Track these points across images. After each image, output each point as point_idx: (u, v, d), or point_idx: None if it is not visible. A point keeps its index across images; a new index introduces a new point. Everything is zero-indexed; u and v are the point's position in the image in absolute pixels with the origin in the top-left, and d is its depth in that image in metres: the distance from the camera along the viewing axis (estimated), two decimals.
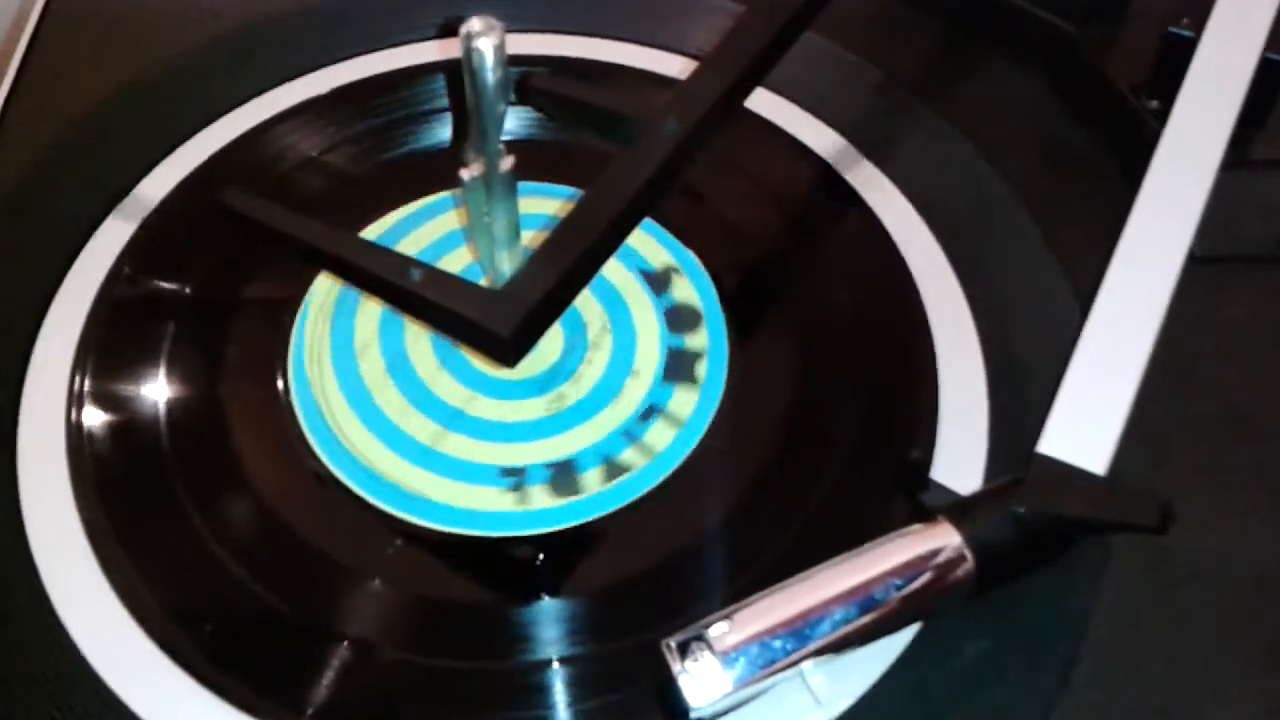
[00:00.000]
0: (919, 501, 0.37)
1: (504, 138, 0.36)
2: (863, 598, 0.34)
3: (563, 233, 0.34)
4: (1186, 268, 0.42)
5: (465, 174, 0.35)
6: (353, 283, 0.37)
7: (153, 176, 0.48)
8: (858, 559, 0.35)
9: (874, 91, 0.52)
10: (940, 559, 0.35)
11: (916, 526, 0.36)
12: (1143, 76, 0.48)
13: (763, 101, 0.50)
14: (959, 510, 0.36)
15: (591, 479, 0.39)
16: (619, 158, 0.36)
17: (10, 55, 0.54)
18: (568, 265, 0.34)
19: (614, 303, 0.44)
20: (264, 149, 0.49)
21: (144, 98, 0.51)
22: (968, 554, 0.35)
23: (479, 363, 0.42)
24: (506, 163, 0.35)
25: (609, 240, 0.35)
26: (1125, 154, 0.46)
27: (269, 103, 0.51)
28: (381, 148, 0.49)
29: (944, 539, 0.35)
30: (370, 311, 0.43)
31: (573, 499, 0.39)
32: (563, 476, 0.39)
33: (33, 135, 0.50)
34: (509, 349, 0.33)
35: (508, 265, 0.39)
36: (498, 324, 0.33)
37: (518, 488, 0.39)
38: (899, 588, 0.34)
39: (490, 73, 0.32)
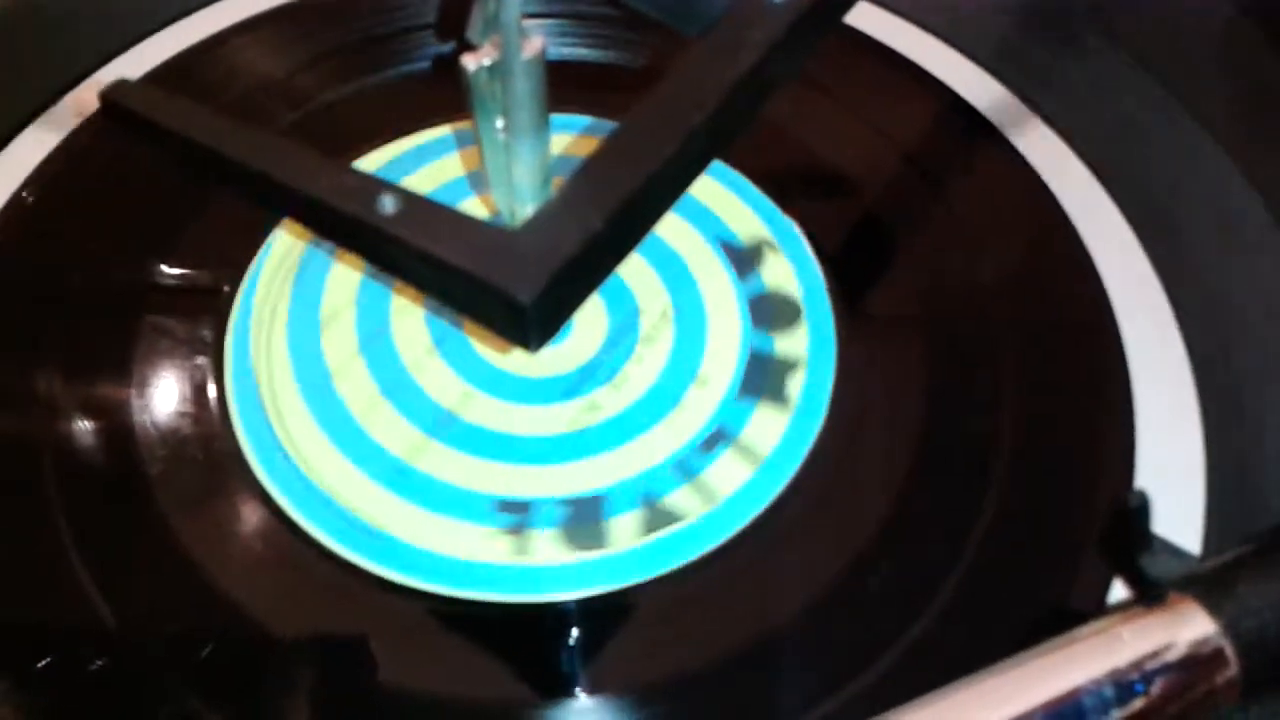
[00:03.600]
0: (1138, 570, 0.25)
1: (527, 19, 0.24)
2: (1064, 717, 0.23)
3: (612, 152, 0.23)
4: None
5: (470, 62, 0.24)
6: (296, 217, 0.25)
7: (55, 110, 0.38)
8: (1050, 657, 0.24)
9: (1031, 19, 0.42)
10: (1184, 655, 0.23)
11: (1138, 609, 0.24)
12: None
13: (892, 30, 0.40)
14: (1206, 584, 0.24)
15: (624, 528, 0.28)
16: (697, 46, 0.24)
17: None
18: (619, 200, 0.22)
19: (681, 281, 0.33)
20: (208, 72, 0.38)
21: (60, 8, 0.41)
22: (1228, 650, 0.23)
23: (484, 346, 0.31)
24: (533, 46, 0.24)
25: (677, 172, 0.24)
26: None
27: (217, 14, 0.40)
28: (365, 68, 0.39)
29: (1188, 628, 0.24)
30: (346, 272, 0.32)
31: (595, 554, 0.28)
32: (583, 520, 0.28)
33: None
34: (531, 322, 0.21)
35: (528, 209, 0.28)
36: (515, 282, 0.21)
37: (518, 530, 0.28)
38: (1121, 702, 0.23)
39: None
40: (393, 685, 0.26)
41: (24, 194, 0.34)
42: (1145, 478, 0.29)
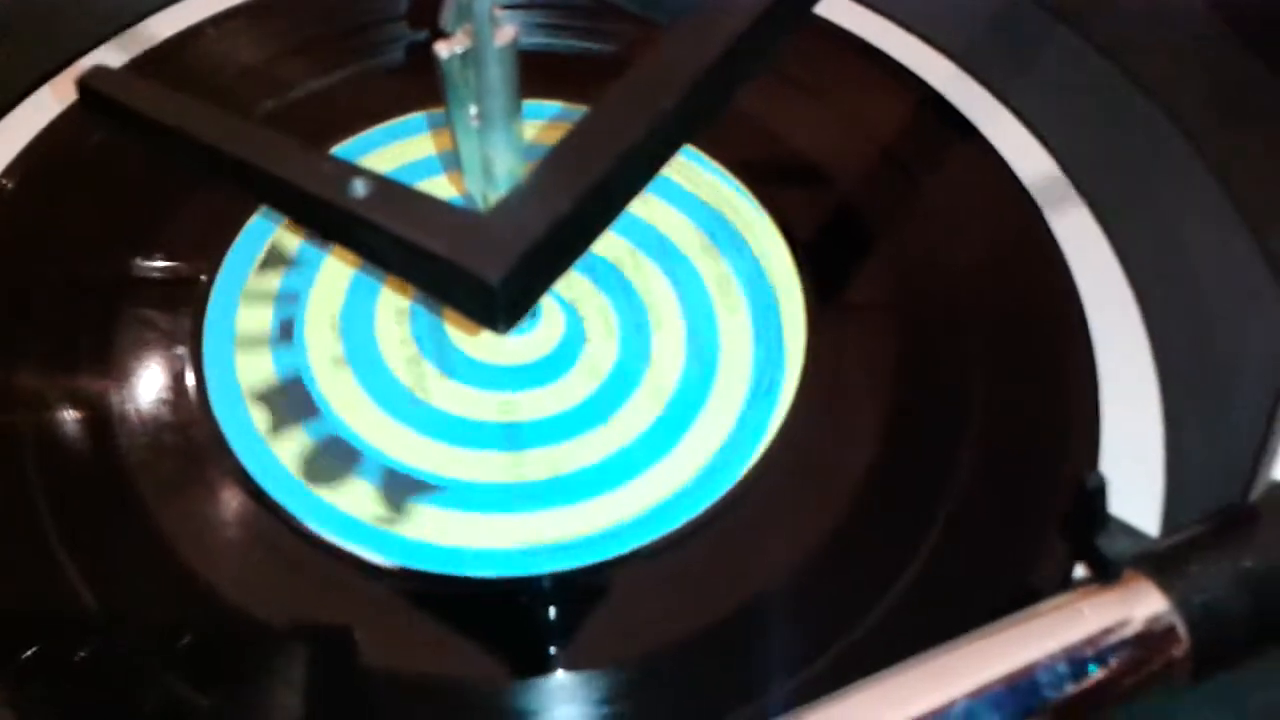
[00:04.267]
0: (1094, 549, 0.26)
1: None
2: (1020, 691, 0.24)
3: (582, 138, 0.23)
4: None
5: (444, 50, 0.24)
6: (267, 201, 0.25)
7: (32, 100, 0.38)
8: (1009, 632, 0.25)
9: (999, 9, 0.43)
10: (1134, 631, 0.24)
11: (1095, 586, 0.25)
12: None
13: (861, 20, 0.41)
14: (1159, 562, 0.25)
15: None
16: (666, 36, 0.25)
17: None
18: (584, 187, 0.23)
19: (669, 257, 0.34)
20: (186, 62, 0.39)
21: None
22: (1180, 626, 0.24)
23: (463, 340, 0.31)
24: (505, 34, 0.24)
25: (649, 152, 0.24)
26: None
27: (196, 6, 0.41)
28: (341, 58, 0.39)
29: (1142, 604, 0.25)
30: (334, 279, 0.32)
31: (597, 529, 0.28)
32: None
33: None
34: (499, 303, 0.22)
35: (499, 195, 0.28)
36: (484, 263, 0.21)
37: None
38: (1075, 677, 0.24)
39: None
40: (379, 664, 0.27)
41: (2, 182, 0.35)
42: (1108, 461, 0.30)
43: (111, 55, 0.39)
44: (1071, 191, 0.36)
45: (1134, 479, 0.30)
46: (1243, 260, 0.34)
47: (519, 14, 0.40)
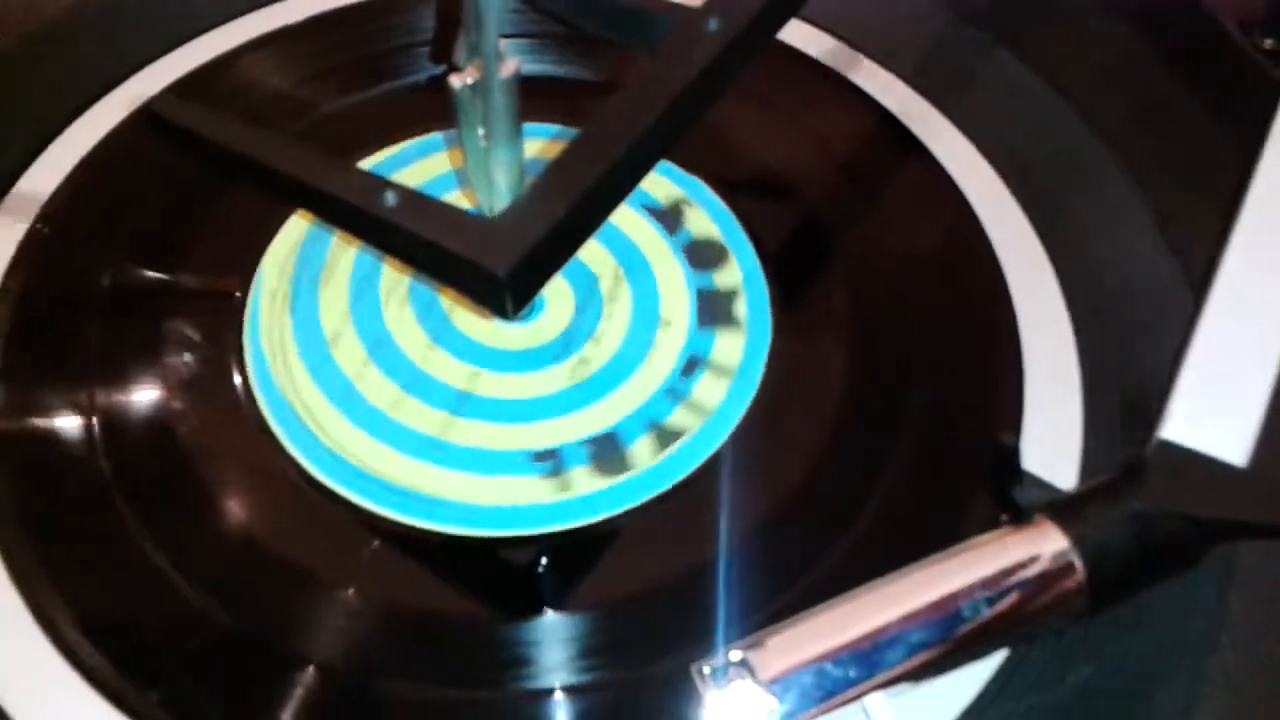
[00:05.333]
0: (1010, 498, 0.30)
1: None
2: (945, 615, 0.28)
3: (575, 154, 0.28)
4: None
5: (456, 81, 0.29)
6: (313, 210, 0.30)
7: (83, 121, 0.42)
8: (938, 567, 0.29)
9: (942, 32, 0.47)
10: (1042, 567, 0.29)
11: (1008, 528, 0.29)
12: (1254, 11, 0.43)
13: (818, 44, 0.45)
14: (1063, 509, 0.30)
15: (641, 451, 0.33)
16: (645, 64, 0.29)
17: None
18: (579, 193, 0.27)
19: (621, 246, 0.38)
20: (223, 85, 0.43)
21: (85, 27, 0.45)
22: (1076, 561, 0.29)
23: (478, 333, 0.35)
24: (508, 68, 0.29)
25: (631, 166, 0.29)
26: (1233, 102, 0.41)
27: (232, 32, 0.45)
28: (362, 83, 0.43)
29: (1046, 543, 0.29)
30: (336, 289, 0.37)
31: (623, 477, 0.33)
32: (606, 453, 0.33)
33: None
34: (506, 292, 0.26)
35: (504, 204, 0.33)
36: (493, 260, 0.26)
37: (555, 472, 0.33)
38: (990, 603, 0.29)
39: None
40: (452, 616, 0.31)
41: (52, 204, 0.39)
42: (1031, 429, 0.34)
43: (152, 80, 0.43)
44: (1008, 199, 0.40)
45: (1057, 439, 0.34)
46: (1157, 259, 0.38)
47: (522, 42, 0.44)
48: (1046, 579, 0.28)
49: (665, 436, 0.33)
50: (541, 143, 0.41)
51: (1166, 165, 0.41)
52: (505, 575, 0.32)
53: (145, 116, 0.29)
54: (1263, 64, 0.40)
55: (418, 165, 0.40)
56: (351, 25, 0.45)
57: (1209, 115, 0.41)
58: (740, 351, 0.35)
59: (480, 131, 0.31)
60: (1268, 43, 0.41)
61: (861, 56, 0.44)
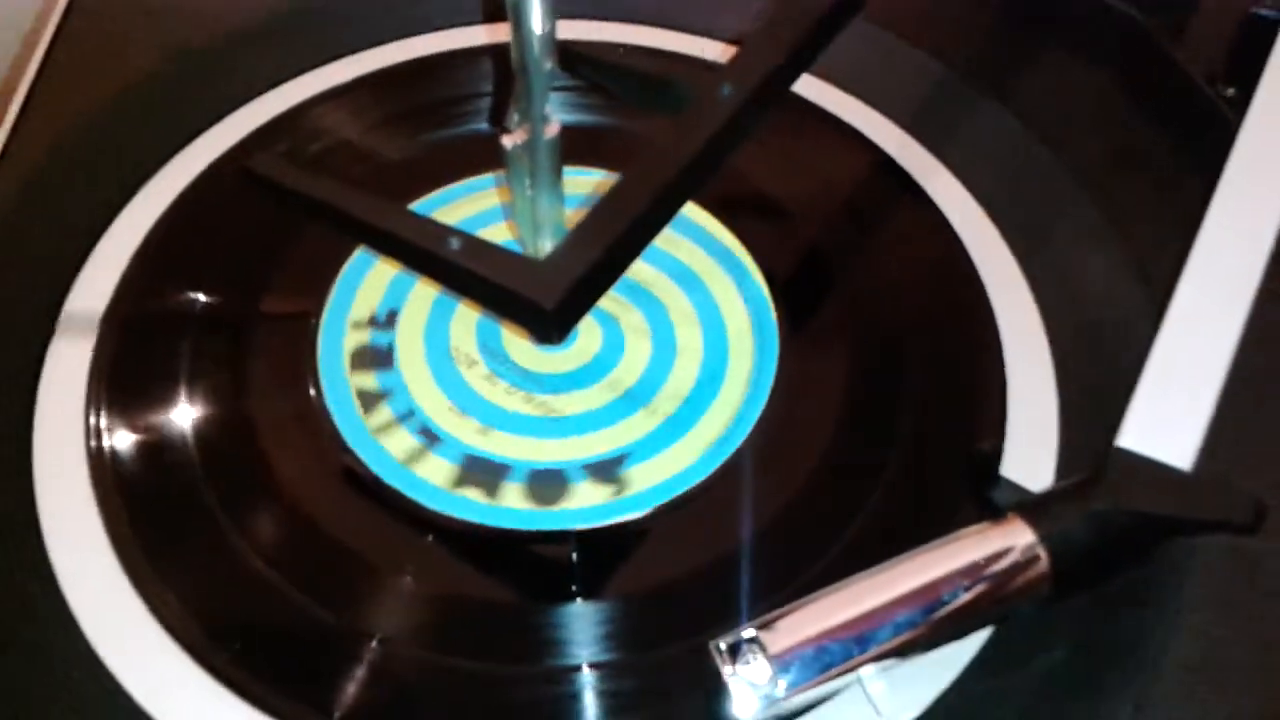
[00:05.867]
0: (988, 499, 0.35)
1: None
2: (928, 599, 0.32)
3: (610, 203, 0.33)
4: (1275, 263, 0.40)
5: (508, 141, 0.34)
6: (387, 253, 0.35)
7: (182, 156, 0.46)
8: (923, 558, 0.33)
9: (936, 84, 0.50)
10: (1012, 559, 0.33)
11: (985, 525, 0.33)
12: (1218, 63, 0.47)
13: (821, 93, 0.49)
14: (1032, 508, 0.34)
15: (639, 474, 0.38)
16: (669, 126, 0.34)
17: (35, 46, 0.53)
18: (615, 235, 0.32)
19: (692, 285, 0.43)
20: (297, 133, 0.47)
21: (174, 81, 0.50)
22: (1042, 554, 0.33)
23: (522, 357, 0.40)
24: (552, 129, 0.33)
25: (659, 212, 0.33)
26: (1198, 145, 0.44)
27: (304, 86, 0.49)
28: (422, 130, 0.48)
29: (1016, 537, 0.33)
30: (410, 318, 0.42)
31: (628, 493, 0.37)
32: (604, 471, 0.38)
33: (53, 127, 0.48)
34: (553, 323, 0.31)
35: (550, 243, 0.37)
36: (541, 295, 0.31)
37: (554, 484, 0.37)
38: (967, 589, 0.32)
39: (536, 25, 0.30)
40: (454, 590, 0.35)
41: (151, 239, 0.43)
42: (1013, 438, 0.38)
43: (229, 131, 0.47)
44: (993, 232, 0.44)
45: (1035, 449, 0.38)
46: (1126, 286, 0.42)
47: (568, 95, 0.47)
48: (1016, 569, 0.32)
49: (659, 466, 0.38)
50: (582, 182, 0.45)
51: (1137, 202, 0.45)
52: (535, 565, 0.37)
53: (243, 173, 0.34)
54: (1225, 110, 0.44)
55: (466, 201, 0.45)
56: (408, 79, 0.50)
57: (1176, 156, 0.45)
58: (742, 397, 0.39)
59: (527, 181, 0.35)
60: (1230, 91, 0.45)
61: (865, 105, 0.48)
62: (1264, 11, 0.44)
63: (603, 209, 0.33)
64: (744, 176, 0.46)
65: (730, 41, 0.51)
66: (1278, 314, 0.38)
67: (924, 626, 0.32)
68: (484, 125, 0.48)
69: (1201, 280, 0.37)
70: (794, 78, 0.39)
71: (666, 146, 0.34)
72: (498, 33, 0.50)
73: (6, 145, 0.48)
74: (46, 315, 0.41)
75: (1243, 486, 0.34)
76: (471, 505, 0.37)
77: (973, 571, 0.32)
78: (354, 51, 0.50)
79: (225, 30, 0.52)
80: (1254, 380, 0.37)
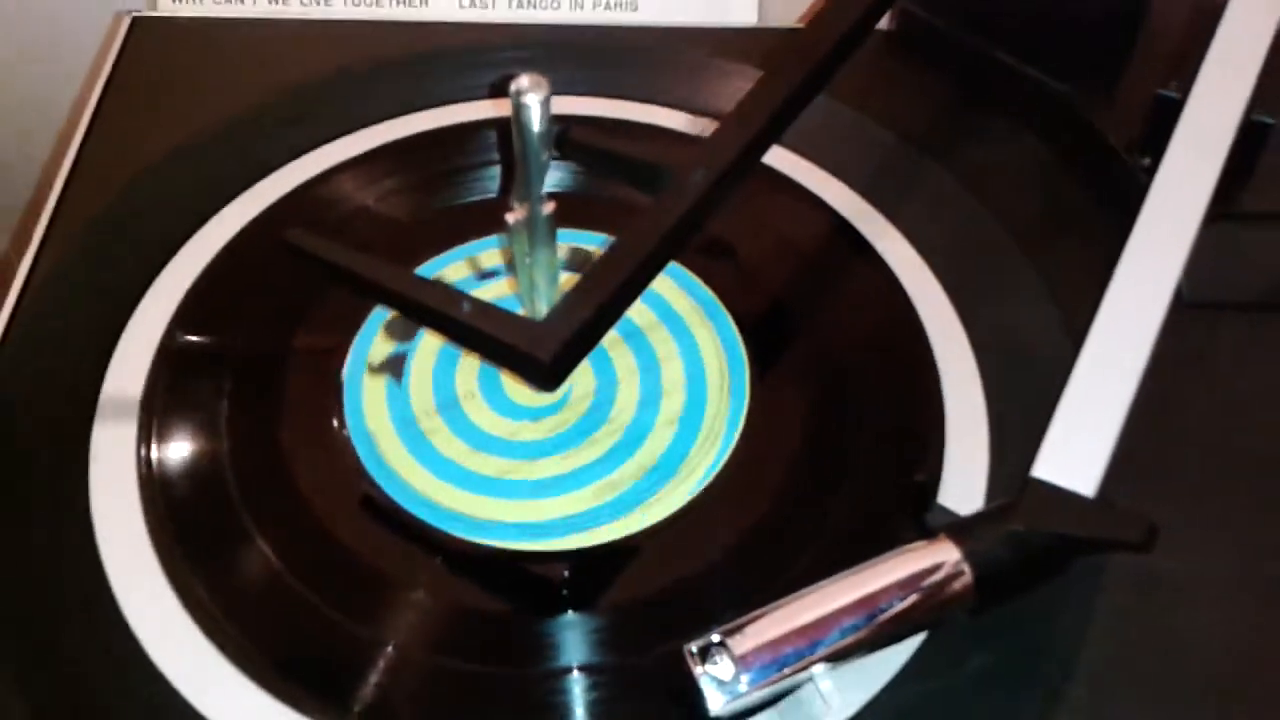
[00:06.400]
0: (923, 522, 0.40)
1: (546, 188, 0.40)
2: (870, 608, 0.37)
3: (598, 270, 0.38)
4: (1178, 312, 0.46)
5: (510, 218, 0.39)
6: (407, 314, 0.40)
7: (221, 217, 0.52)
8: (864, 573, 0.37)
9: (886, 151, 0.55)
10: (941, 573, 0.37)
11: (920, 544, 0.38)
12: (1135, 136, 0.51)
13: (784, 160, 0.53)
14: (959, 529, 0.38)
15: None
16: (650, 203, 0.40)
17: (82, 111, 0.59)
18: (603, 299, 0.37)
19: (646, 354, 0.48)
20: (323, 197, 0.52)
21: (218, 145, 0.55)
22: (966, 569, 0.37)
23: (517, 396, 0.46)
24: (548, 209, 0.39)
25: (640, 278, 0.39)
26: (1119, 207, 0.48)
27: (328, 154, 0.54)
28: (434, 196, 0.53)
29: (945, 555, 0.37)
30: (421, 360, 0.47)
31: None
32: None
33: (99, 187, 0.53)
34: (549, 374, 0.36)
35: (545, 302, 0.43)
36: (539, 351, 0.36)
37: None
38: (903, 599, 0.37)
39: (536, 124, 0.36)
40: (495, 612, 0.40)
41: (194, 288, 0.48)
42: (949, 470, 0.43)
43: (260, 195, 0.52)
44: (936, 286, 0.48)
45: (968, 480, 0.43)
46: (1054, 334, 0.46)
47: (564, 164, 0.52)
48: (945, 581, 0.37)
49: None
50: (577, 245, 0.50)
51: (1065, 257, 0.49)
52: (530, 581, 0.42)
53: (282, 244, 0.39)
54: (1141, 177, 0.49)
55: (475, 257, 0.50)
56: (421, 150, 0.55)
57: (1100, 217, 0.50)
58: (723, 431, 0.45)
59: (526, 251, 0.41)
60: (1145, 161, 0.50)
61: (823, 171, 0.53)
62: (1168, 92, 0.50)
63: (591, 277, 0.38)
64: (717, 235, 0.51)
65: (713, 116, 0.56)
66: (1172, 360, 0.43)
67: (866, 631, 0.36)
68: (490, 193, 0.53)
69: (1106, 331, 0.42)
70: (764, 150, 0.45)
71: (646, 222, 0.39)
72: (502, 107, 0.56)
73: (59, 201, 0.53)
74: (101, 356, 0.47)
75: (1139, 510, 0.39)
76: (475, 525, 0.42)
77: (908, 584, 0.37)
78: (373, 123, 0.56)
79: (258, 103, 0.57)
80: (1151, 417, 0.42)
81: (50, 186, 0.54)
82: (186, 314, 0.48)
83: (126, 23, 0.62)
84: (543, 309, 0.43)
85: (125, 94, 0.59)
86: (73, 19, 0.73)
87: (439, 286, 0.38)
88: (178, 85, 0.59)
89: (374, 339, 0.47)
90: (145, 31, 0.62)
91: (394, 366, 0.47)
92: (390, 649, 0.39)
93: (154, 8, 0.65)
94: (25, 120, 0.80)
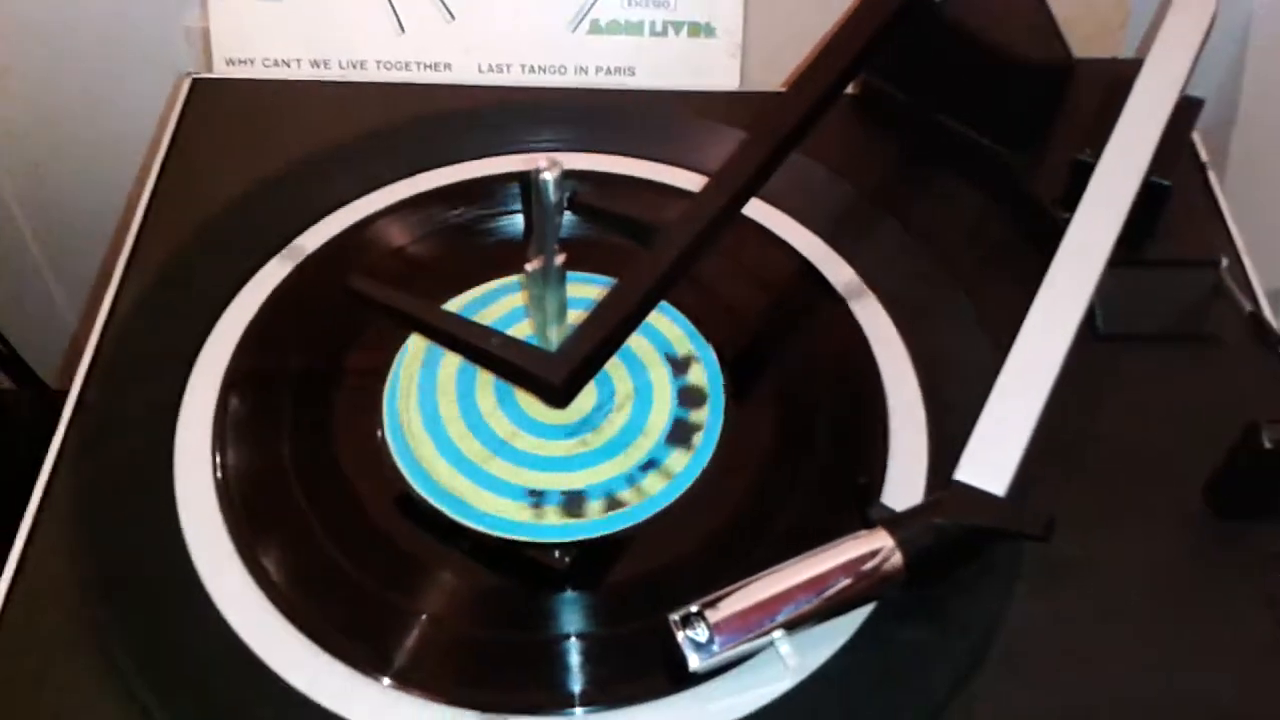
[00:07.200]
0: (866, 516, 0.49)
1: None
2: (820, 585, 0.44)
3: (600, 311, 0.47)
4: (1093, 343, 0.55)
5: (529, 267, 0.48)
6: (445, 345, 0.49)
7: (282, 255, 0.59)
8: (816, 556, 0.45)
9: (848, 204, 0.62)
10: (879, 557, 0.45)
11: (863, 533, 0.46)
12: (1057, 193, 0.59)
13: (759, 210, 0.61)
14: (893, 521, 0.46)
15: (595, 508, 0.50)
16: (642, 256, 0.49)
17: (152, 159, 0.67)
18: (603, 335, 0.46)
19: (641, 376, 0.55)
20: (371, 238, 0.60)
21: (272, 193, 0.62)
22: (897, 553, 0.45)
23: (530, 409, 0.54)
24: (559, 259, 0.48)
25: (635, 318, 0.47)
26: (1042, 252, 0.54)
27: (373, 201, 0.62)
28: (468, 238, 0.61)
29: (881, 542, 0.45)
30: (448, 372, 0.56)
31: (578, 521, 0.49)
32: (573, 502, 0.50)
33: (173, 228, 0.61)
34: (560, 394, 0.45)
35: (555, 336, 0.52)
36: (553, 375, 0.45)
37: (537, 506, 0.50)
38: (847, 577, 0.45)
39: (550, 196, 0.45)
40: (465, 581, 0.48)
41: (258, 317, 0.57)
42: (892, 475, 0.51)
43: (316, 235, 0.60)
44: (886, 319, 0.56)
45: (909, 483, 0.51)
46: (987, 359, 0.52)
47: (574, 217, 0.59)
48: (880, 563, 0.45)
49: (614, 503, 0.50)
50: (584, 286, 0.57)
51: (995, 293, 0.56)
52: (534, 565, 0.49)
53: (347, 290, 0.48)
54: (1061, 227, 0.57)
55: (498, 303, 0.58)
56: (457, 196, 0.62)
57: (1030, 263, 0.57)
58: (685, 465, 0.52)
59: (542, 293, 0.50)
60: (1067, 215, 0.57)
61: (791, 219, 0.60)
62: (1083, 157, 0.58)
63: (594, 317, 0.46)
64: (700, 279, 0.57)
65: (703, 172, 0.62)
66: (1088, 383, 0.52)
67: (818, 603, 0.44)
68: (508, 236, 0.61)
69: (1020, 358, 0.50)
70: (739, 208, 0.53)
71: (639, 271, 0.48)
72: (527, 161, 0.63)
73: (135, 246, 0.61)
74: (179, 374, 0.55)
75: (1044, 508, 0.47)
76: (495, 520, 0.50)
77: (851, 565, 0.44)
78: (411, 175, 0.63)
79: (304, 157, 0.65)
80: (1071, 428, 0.50)
81: (129, 223, 0.62)
82: (251, 340, 0.56)
83: (188, 84, 0.71)
84: (554, 340, 0.52)
85: (189, 145, 0.67)
86: (138, 80, 0.82)
87: (471, 323, 0.47)
88: (235, 138, 0.67)
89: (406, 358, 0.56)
90: (204, 91, 0.71)
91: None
92: (422, 616, 0.47)
93: (210, 69, 0.74)
94: (100, 168, 0.89)
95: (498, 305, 0.59)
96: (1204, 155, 0.66)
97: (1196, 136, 0.66)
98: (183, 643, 0.46)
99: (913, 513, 0.48)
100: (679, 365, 0.56)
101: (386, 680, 0.45)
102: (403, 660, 0.46)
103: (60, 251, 0.98)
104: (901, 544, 0.46)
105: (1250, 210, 0.65)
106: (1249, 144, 0.77)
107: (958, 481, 0.48)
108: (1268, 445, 0.48)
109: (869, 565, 0.45)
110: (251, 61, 0.72)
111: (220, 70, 0.72)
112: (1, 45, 0.83)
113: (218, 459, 0.52)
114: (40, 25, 0.81)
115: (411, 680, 0.45)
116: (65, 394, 0.54)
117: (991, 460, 0.48)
